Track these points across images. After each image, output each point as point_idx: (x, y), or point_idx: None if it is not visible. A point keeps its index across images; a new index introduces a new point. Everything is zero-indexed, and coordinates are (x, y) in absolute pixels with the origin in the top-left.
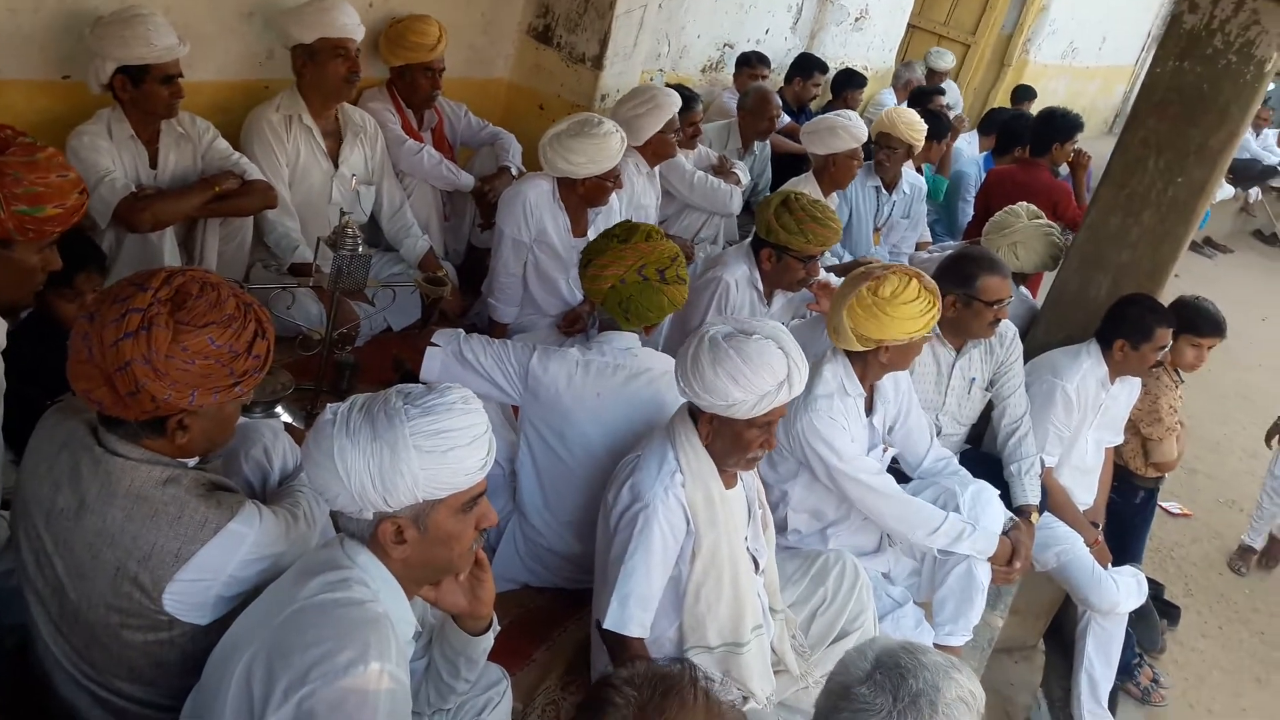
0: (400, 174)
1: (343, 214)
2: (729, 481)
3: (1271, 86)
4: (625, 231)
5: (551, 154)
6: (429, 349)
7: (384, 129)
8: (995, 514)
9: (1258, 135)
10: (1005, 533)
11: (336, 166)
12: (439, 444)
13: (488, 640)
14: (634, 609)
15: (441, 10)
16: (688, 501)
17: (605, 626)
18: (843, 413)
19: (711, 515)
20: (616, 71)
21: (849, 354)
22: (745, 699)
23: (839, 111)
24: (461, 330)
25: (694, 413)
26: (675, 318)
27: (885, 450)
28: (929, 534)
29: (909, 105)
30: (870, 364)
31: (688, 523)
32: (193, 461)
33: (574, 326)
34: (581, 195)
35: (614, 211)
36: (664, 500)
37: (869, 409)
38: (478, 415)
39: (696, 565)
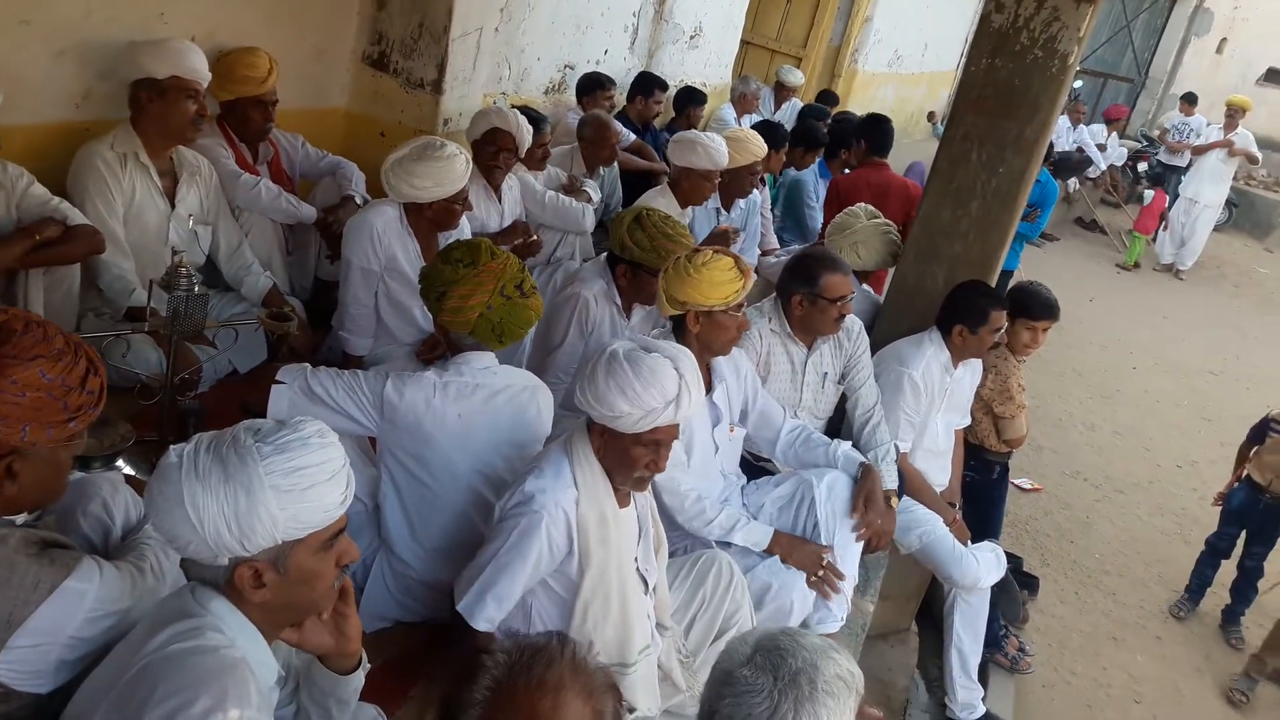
0: (238, 210)
1: (175, 253)
2: (622, 501)
3: (1079, 83)
4: (469, 254)
5: (395, 179)
6: (275, 387)
7: (217, 165)
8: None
9: (1074, 128)
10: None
11: (173, 206)
12: (297, 482)
13: (358, 678)
14: (489, 604)
15: (271, 41)
16: (579, 519)
17: (458, 609)
18: None
19: (603, 534)
20: (458, 96)
21: (675, 333)
22: (632, 710)
23: (710, 134)
24: (308, 364)
25: (589, 425)
26: (536, 336)
27: (732, 430)
28: (705, 525)
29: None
30: (686, 337)
31: (570, 542)
32: (21, 518)
33: (434, 353)
34: (430, 219)
35: (464, 234)
36: (552, 513)
37: (711, 386)
38: (335, 449)
39: (585, 584)
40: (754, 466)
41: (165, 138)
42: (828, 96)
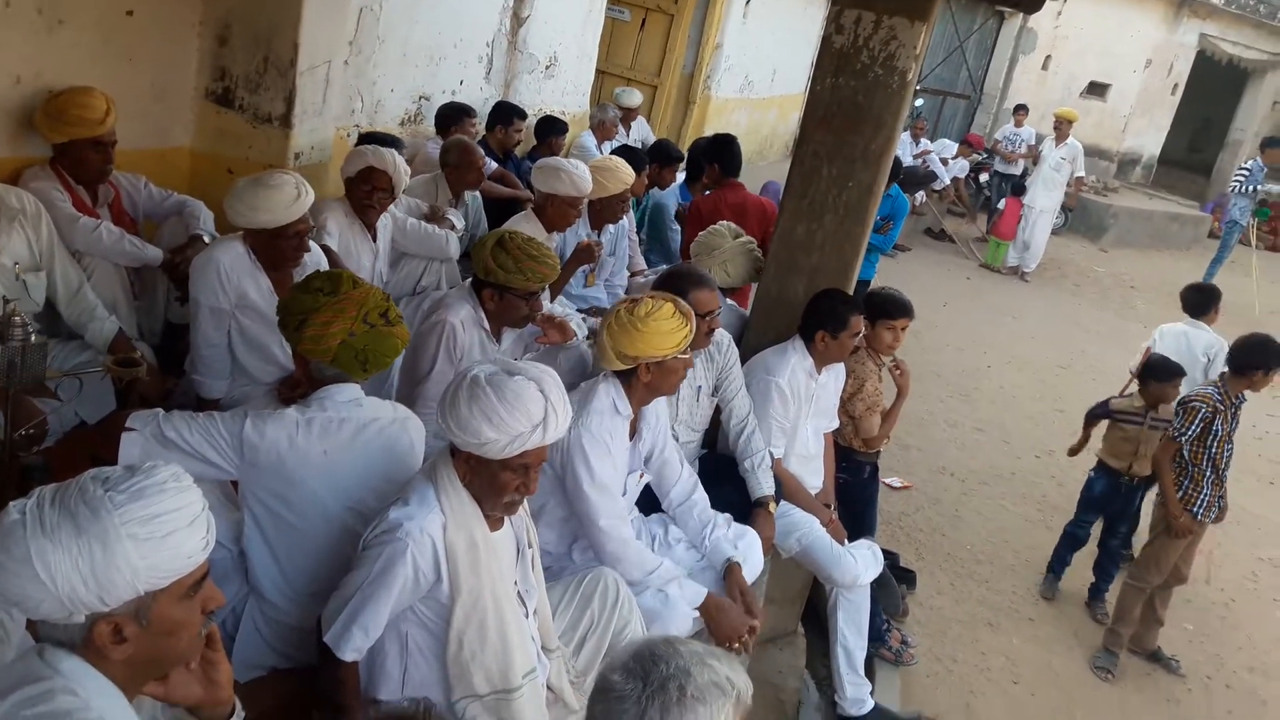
0: (78, 254)
1: (5, 302)
2: (494, 525)
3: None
4: (328, 283)
5: (227, 202)
6: (125, 435)
7: (52, 209)
8: (753, 567)
9: (917, 144)
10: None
11: None
12: (155, 529)
13: None
14: (355, 634)
15: (104, 81)
16: (447, 547)
17: (325, 639)
18: (610, 432)
19: (474, 560)
20: (308, 129)
21: (619, 377)
22: None
23: (574, 161)
24: (160, 409)
25: (454, 451)
26: (404, 367)
27: (641, 477)
28: (645, 575)
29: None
30: (635, 386)
31: (438, 569)
32: None
33: (295, 392)
34: (264, 256)
35: (322, 268)
36: (417, 540)
37: (633, 433)
38: (192, 492)
39: (457, 613)
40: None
41: None
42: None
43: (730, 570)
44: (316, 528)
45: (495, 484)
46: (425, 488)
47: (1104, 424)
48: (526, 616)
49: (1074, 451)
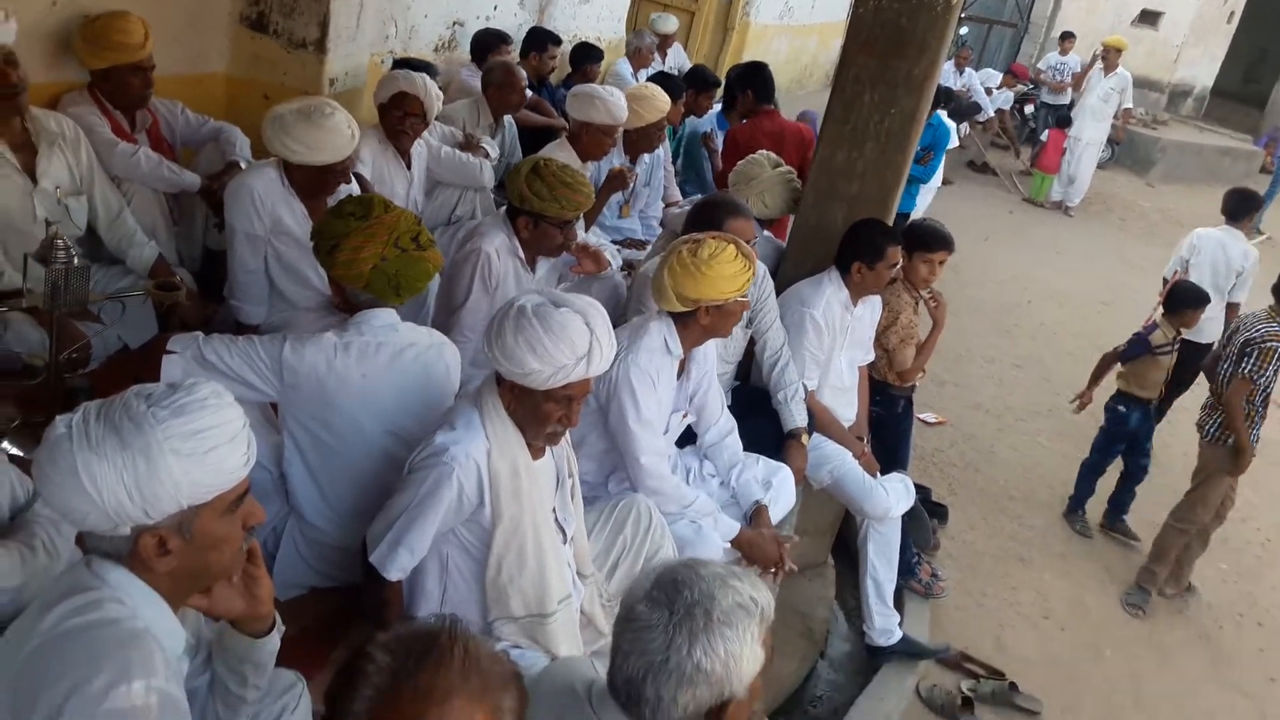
0: (118, 180)
1: (49, 224)
2: (535, 453)
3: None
4: (360, 208)
5: (272, 133)
6: (166, 357)
7: (91, 134)
8: (786, 501)
9: (961, 73)
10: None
11: (35, 181)
12: (198, 445)
13: (273, 641)
14: (401, 554)
15: (139, 5)
16: (491, 473)
17: (370, 560)
18: (658, 370)
19: (516, 488)
20: (343, 54)
21: (673, 316)
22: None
23: (610, 89)
24: (200, 332)
25: (500, 380)
26: (440, 296)
27: (684, 416)
28: (681, 508)
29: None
30: (692, 327)
31: (482, 494)
32: None
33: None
34: (301, 184)
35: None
36: (463, 464)
37: (682, 371)
38: (233, 409)
39: (497, 537)
40: None
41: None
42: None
43: (757, 512)
44: (356, 451)
45: (538, 414)
46: (471, 413)
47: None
48: (564, 543)
49: (1083, 407)
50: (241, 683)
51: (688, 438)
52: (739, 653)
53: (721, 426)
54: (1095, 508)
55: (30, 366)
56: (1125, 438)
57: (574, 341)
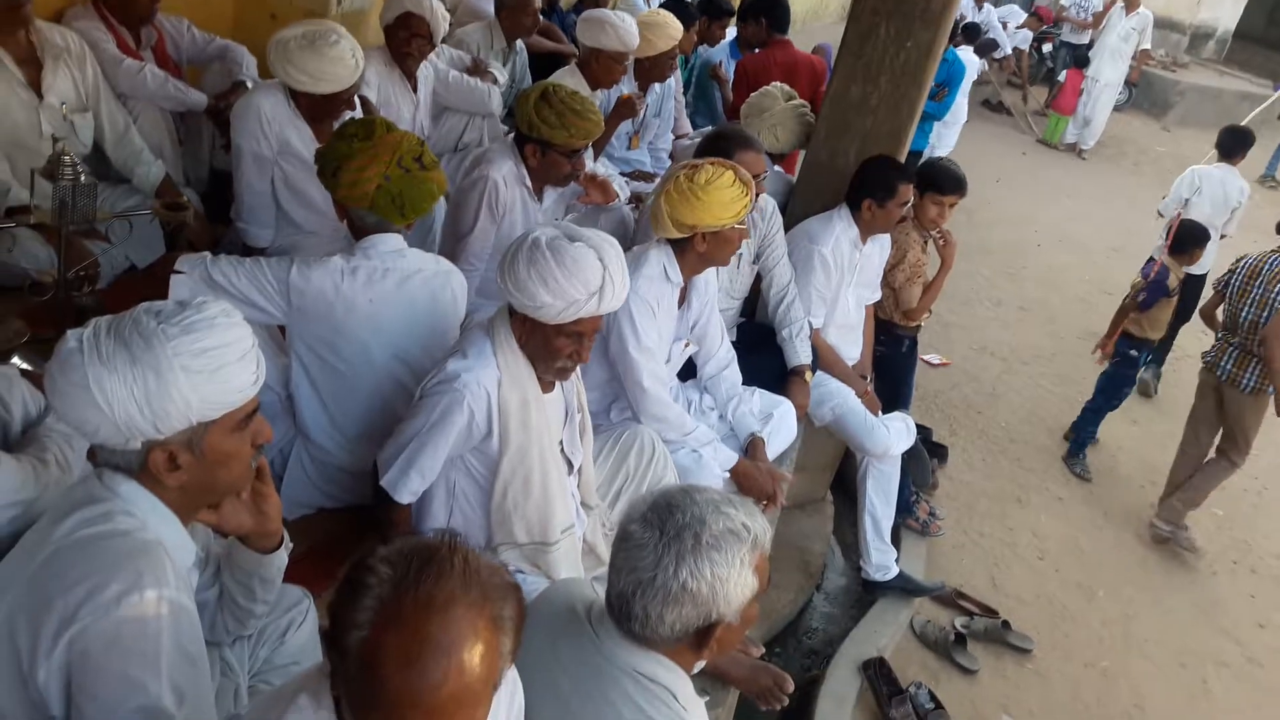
0: (124, 98)
1: (55, 141)
2: (545, 387)
3: None
4: (363, 129)
5: (276, 58)
6: (174, 277)
7: (96, 49)
8: (786, 435)
9: (980, 8)
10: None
11: (41, 97)
12: (207, 363)
13: (281, 557)
14: (412, 477)
15: None
16: (500, 402)
17: (382, 483)
18: (658, 298)
19: (524, 418)
20: None
21: (671, 244)
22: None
23: (621, 14)
24: (208, 253)
25: (512, 312)
26: (446, 223)
27: (686, 345)
28: (682, 436)
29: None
30: (689, 254)
31: (490, 422)
32: None
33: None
34: (305, 109)
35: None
36: (474, 391)
37: (682, 300)
38: (241, 328)
39: (503, 466)
40: None
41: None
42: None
43: (753, 444)
44: (363, 375)
45: (548, 348)
46: (483, 342)
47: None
48: (569, 475)
49: (1107, 357)
50: (250, 596)
51: (688, 372)
52: (726, 576)
53: (721, 358)
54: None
55: (39, 283)
56: (1134, 380)
57: (587, 277)
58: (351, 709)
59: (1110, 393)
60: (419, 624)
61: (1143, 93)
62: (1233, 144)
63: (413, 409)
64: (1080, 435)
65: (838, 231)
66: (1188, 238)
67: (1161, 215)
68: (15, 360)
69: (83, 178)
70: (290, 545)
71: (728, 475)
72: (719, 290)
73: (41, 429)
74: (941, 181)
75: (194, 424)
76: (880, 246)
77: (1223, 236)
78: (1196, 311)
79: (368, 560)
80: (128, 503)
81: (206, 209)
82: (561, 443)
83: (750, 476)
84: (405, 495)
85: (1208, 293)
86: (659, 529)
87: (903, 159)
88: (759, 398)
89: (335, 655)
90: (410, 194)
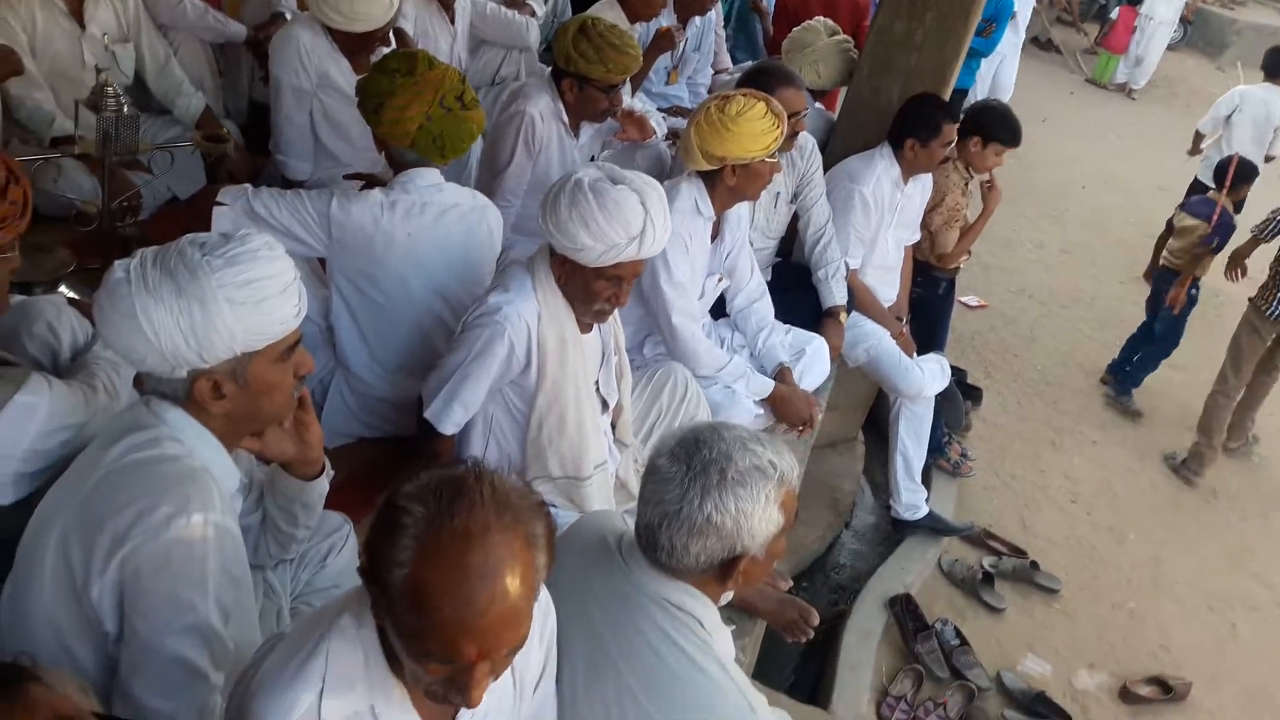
0: (164, 29)
1: (99, 71)
2: (583, 328)
3: None
4: (405, 64)
5: (317, 4)
6: (216, 209)
7: None
8: (819, 374)
9: None
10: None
11: (83, 27)
12: (250, 294)
13: (322, 484)
14: (455, 409)
15: None
16: (539, 337)
17: (426, 415)
18: (690, 232)
19: (562, 356)
20: None
21: (703, 178)
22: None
23: None
24: (249, 185)
25: (553, 251)
26: (483, 158)
27: (720, 280)
28: (715, 371)
29: None
30: (719, 188)
31: (529, 356)
32: None
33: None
34: (340, 43)
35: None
36: (514, 324)
37: (715, 235)
38: (284, 261)
39: (539, 401)
40: None
41: None
42: None
43: (781, 373)
44: (401, 308)
45: (587, 291)
46: (524, 278)
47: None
48: (604, 414)
49: (1180, 302)
50: (292, 522)
51: (720, 309)
52: (750, 511)
53: (751, 291)
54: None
55: (83, 214)
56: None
57: (628, 220)
58: (400, 638)
59: (1176, 335)
60: (459, 556)
61: (1198, 30)
62: (1277, 63)
63: (454, 342)
64: (1134, 375)
65: (879, 171)
66: (1243, 174)
67: (1201, 135)
68: (62, 289)
69: (125, 109)
70: (331, 473)
71: (761, 411)
72: (755, 229)
73: (89, 356)
74: (1004, 133)
75: (238, 354)
76: (922, 187)
77: (1268, 159)
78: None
79: (398, 500)
80: (175, 429)
81: (246, 141)
82: (597, 382)
83: (786, 401)
84: (449, 427)
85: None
86: (686, 463)
87: (947, 97)
88: (791, 333)
89: (376, 589)
90: (451, 134)
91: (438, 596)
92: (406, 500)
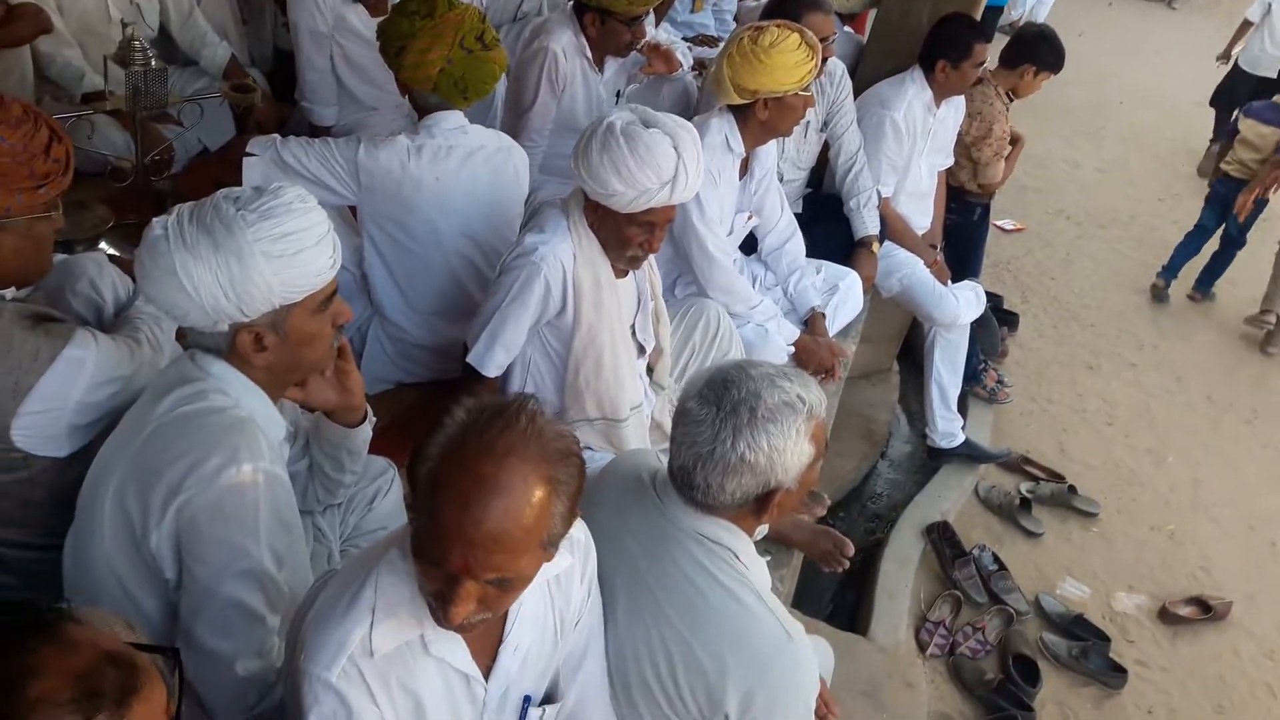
0: None
1: (125, 25)
2: (619, 273)
3: None
4: (424, 5)
5: None
6: (246, 159)
7: None
8: (852, 307)
9: None
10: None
11: None
12: (286, 247)
13: (365, 430)
14: (497, 351)
15: None
16: (574, 279)
17: (469, 359)
18: (719, 169)
19: (597, 299)
20: None
21: (734, 112)
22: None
23: None
24: (277, 135)
25: (586, 195)
26: (508, 96)
27: (750, 218)
28: (748, 309)
29: None
30: (751, 122)
31: (565, 297)
32: (10, 293)
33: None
34: None
35: None
36: (550, 264)
37: (745, 171)
38: (318, 213)
39: (575, 343)
40: None
41: None
42: None
43: (813, 318)
44: (432, 252)
45: (619, 237)
46: (560, 219)
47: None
48: (640, 358)
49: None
50: (338, 467)
51: (750, 246)
52: (782, 446)
53: (781, 230)
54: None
55: (118, 169)
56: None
57: (660, 165)
58: (414, 539)
59: (1241, 241)
60: (474, 465)
61: None
62: None
63: (493, 285)
64: (1214, 270)
65: (910, 95)
66: None
67: (1250, 22)
68: (102, 245)
69: (153, 63)
70: (374, 419)
71: (791, 348)
72: (785, 160)
73: (132, 311)
74: (1051, 59)
75: (277, 307)
76: (955, 109)
77: None
78: None
79: (452, 405)
80: (220, 382)
81: (272, 89)
82: (633, 327)
83: (810, 351)
84: (491, 369)
85: None
86: (715, 405)
87: (978, 16)
88: (823, 271)
89: (411, 486)
90: (472, 76)
91: (443, 495)
92: (456, 408)
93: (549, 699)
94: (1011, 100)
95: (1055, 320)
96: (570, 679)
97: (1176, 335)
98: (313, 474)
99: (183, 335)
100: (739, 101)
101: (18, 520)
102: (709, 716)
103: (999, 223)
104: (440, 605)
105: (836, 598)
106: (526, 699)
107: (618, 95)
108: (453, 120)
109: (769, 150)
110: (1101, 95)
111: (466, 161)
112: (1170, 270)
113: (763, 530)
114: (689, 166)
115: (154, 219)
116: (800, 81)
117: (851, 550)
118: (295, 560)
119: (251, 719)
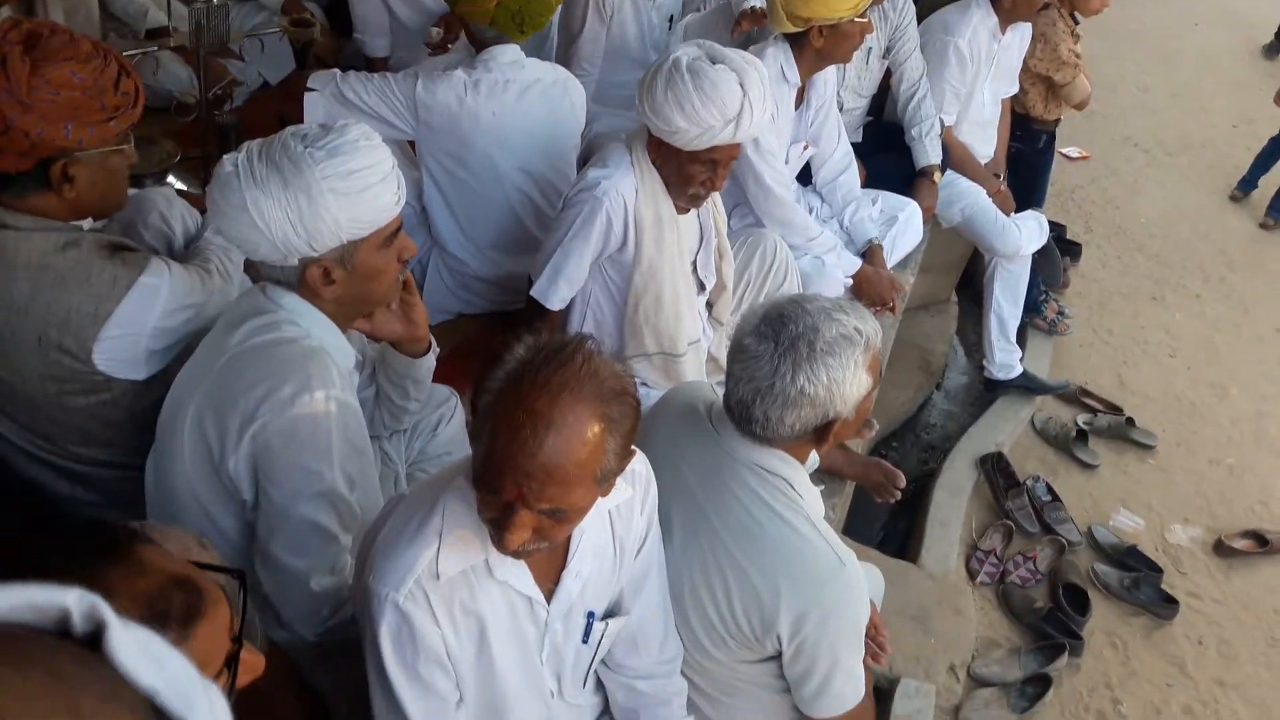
0: None
1: None
2: (681, 209)
3: None
4: None
5: None
6: (307, 95)
7: None
8: (911, 238)
9: None
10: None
11: None
12: (353, 185)
13: (430, 360)
14: (561, 285)
15: None
16: (636, 214)
17: (533, 294)
18: (776, 99)
19: (658, 235)
20: None
21: (789, 41)
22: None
23: None
24: (337, 70)
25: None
26: (560, 26)
27: (805, 148)
28: (806, 240)
29: None
30: (806, 51)
31: (626, 232)
32: (88, 224)
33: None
34: None
35: None
36: (613, 198)
37: (801, 101)
38: (382, 150)
39: (635, 278)
40: None
41: None
42: None
43: (871, 250)
44: (490, 187)
45: (682, 174)
46: (623, 154)
47: None
48: (700, 293)
49: None
50: (404, 395)
51: (806, 177)
52: (841, 378)
53: (837, 162)
54: None
55: (183, 104)
56: None
57: (724, 102)
58: (475, 467)
59: None
60: (529, 400)
61: None
62: None
63: (556, 219)
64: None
65: (975, 21)
66: None
67: None
68: (170, 179)
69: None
70: (437, 349)
71: (849, 280)
72: (846, 88)
73: (202, 243)
74: None
75: (344, 242)
76: (1020, 36)
77: None
78: None
79: (513, 342)
80: (292, 313)
81: (330, 22)
82: (695, 264)
83: (870, 281)
84: (555, 302)
85: None
86: (774, 340)
87: None
88: (880, 202)
89: (473, 415)
90: (529, 9)
91: (500, 426)
92: (519, 345)
93: (611, 614)
94: (1077, 22)
95: (1119, 250)
96: (633, 600)
97: (1246, 266)
98: (379, 401)
99: (252, 268)
100: (792, 29)
101: (101, 440)
102: (761, 636)
103: (1064, 150)
104: (496, 532)
105: (888, 526)
106: (590, 615)
107: (670, 20)
108: (509, 54)
109: (828, 79)
110: (1175, 16)
111: (523, 95)
112: (1249, 181)
113: (815, 461)
114: (754, 103)
115: (225, 156)
116: (855, 8)
117: (903, 482)
118: (366, 482)
119: (325, 630)
